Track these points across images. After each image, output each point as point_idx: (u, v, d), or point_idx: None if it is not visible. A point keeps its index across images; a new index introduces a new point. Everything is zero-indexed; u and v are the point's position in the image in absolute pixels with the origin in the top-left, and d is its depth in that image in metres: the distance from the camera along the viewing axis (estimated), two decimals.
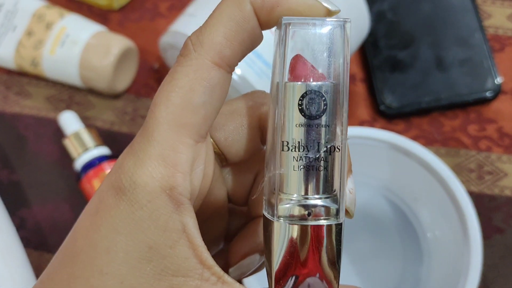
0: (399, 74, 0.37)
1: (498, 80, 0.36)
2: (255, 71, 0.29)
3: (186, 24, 0.31)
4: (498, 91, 0.36)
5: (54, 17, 0.36)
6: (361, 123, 0.36)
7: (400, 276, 0.32)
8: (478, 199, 0.34)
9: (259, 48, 0.30)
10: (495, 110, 0.36)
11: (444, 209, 0.30)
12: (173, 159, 0.15)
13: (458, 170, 0.35)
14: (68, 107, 0.37)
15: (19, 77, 0.38)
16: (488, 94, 0.36)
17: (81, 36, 0.34)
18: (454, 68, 0.36)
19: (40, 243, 0.34)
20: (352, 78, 0.38)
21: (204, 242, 0.15)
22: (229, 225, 0.19)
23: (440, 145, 0.36)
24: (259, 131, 0.18)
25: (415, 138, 0.36)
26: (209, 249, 0.15)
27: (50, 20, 0.36)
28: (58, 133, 0.36)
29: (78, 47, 0.34)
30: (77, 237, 0.15)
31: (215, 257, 0.15)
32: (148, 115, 0.15)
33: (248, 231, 0.18)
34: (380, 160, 0.32)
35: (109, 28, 0.39)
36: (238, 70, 0.29)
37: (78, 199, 0.35)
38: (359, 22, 0.33)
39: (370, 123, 0.36)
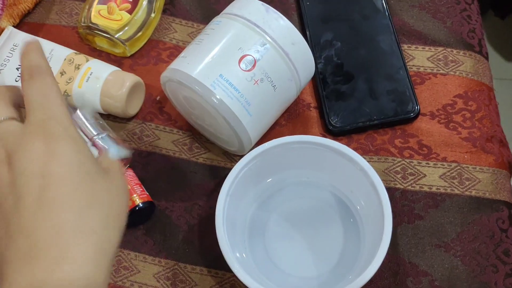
0: (342, 102, 0.46)
1: (418, 105, 0.46)
2: (228, 95, 0.39)
3: (179, 63, 0.40)
4: (417, 113, 0.45)
5: (82, 60, 0.46)
6: None
7: (342, 252, 0.40)
8: (403, 194, 0.43)
9: (230, 78, 0.39)
10: (416, 127, 0.46)
11: (369, 196, 0.38)
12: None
13: (387, 172, 0.44)
14: None
15: None
16: (410, 115, 0.45)
17: (102, 74, 0.44)
18: (383, 96, 0.46)
19: None
20: (307, 105, 0.47)
21: None
22: None
23: (373, 154, 0.45)
24: None
25: (354, 149, 0.44)
26: None
27: (79, 62, 0.46)
28: None
29: (99, 82, 0.44)
30: None
31: None
32: None
33: None
34: (328, 162, 0.41)
35: (123, 69, 0.48)
36: (217, 95, 0.38)
37: None
38: (307, 64, 0.42)
39: None
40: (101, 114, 0.47)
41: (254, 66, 0.39)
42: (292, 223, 0.41)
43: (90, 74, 0.45)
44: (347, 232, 0.41)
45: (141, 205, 0.40)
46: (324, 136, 0.45)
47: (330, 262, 0.40)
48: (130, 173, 0.42)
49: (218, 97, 0.38)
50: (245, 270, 0.35)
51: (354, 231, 0.41)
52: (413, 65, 0.48)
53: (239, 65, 0.39)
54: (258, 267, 0.39)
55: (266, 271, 0.39)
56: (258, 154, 0.39)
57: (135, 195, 0.41)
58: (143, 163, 0.45)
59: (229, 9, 0.42)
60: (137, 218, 0.41)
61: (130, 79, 0.44)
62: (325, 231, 0.41)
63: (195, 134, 0.46)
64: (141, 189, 0.41)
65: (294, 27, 0.40)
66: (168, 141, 0.46)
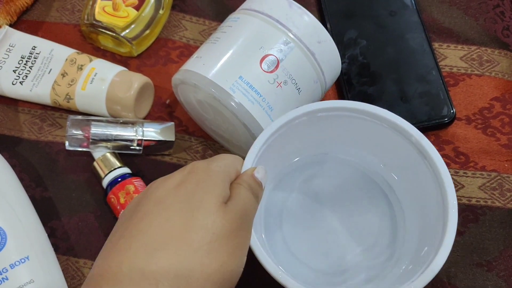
0: None
1: (453, 108, 0.42)
2: (249, 99, 0.35)
3: (194, 64, 0.37)
4: (453, 118, 0.42)
5: (85, 60, 0.42)
6: None
7: (375, 241, 0.35)
8: None
9: (251, 81, 0.36)
10: (451, 133, 0.42)
11: (417, 174, 0.33)
12: None
13: None
14: None
15: (52, 112, 0.44)
16: (444, 120, 0.41)
17: (107, 74, 0.41)
18: (415, 99, 0.42)
19: (67, 249, 0.38)
20: None
21: None
22: None
23: None
24: None
25: None
26: None
27: (81, 63, 0.42)
28: (84, 158, 0.41)
29: (105, 83, 0.40)
30: None
31: None
32: None
33: None
34: (361, 134, 0.35)
35: (129, 70, 0.45)
36: (236, 99, 0.35)
37: (100, 211, 0.40)
38: (333, 64, 0.38)
39: None
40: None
41: (277, 67, 0.35)
42: (315, 207, 0.36)
43: (95, 75, 0.41)
44: (381, 221, 0.35)
45: None
46: None
47: (360, 256, 0.35)
48: (140, 183, 0.39)
49: (237, 100, 0.34)
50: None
51: (388, 216, 0.35)
52: (446, 65, 0.45)
53: (261, 66, 0.35)
54: (279, 263, 0.34)
55: (287, 266, 0.34)
56: (280, 126, 0.33)
57: None
58: (152, 172, 0.41)
59: (247, 4, 0.38)
60: None
61: (138, 80, 0.40)
62: (353, 216, 0.36)
63: (208, 141, 0.43)
64: None
65: (320, 23, 0.37)
66: (179, 149, 0.42)
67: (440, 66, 0.44)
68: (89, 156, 0.41)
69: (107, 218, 0.39)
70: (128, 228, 0.25)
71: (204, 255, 0.24)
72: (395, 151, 0.34)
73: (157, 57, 0.46)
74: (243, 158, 0.31)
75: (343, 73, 0.43)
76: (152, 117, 0.44)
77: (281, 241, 0.35)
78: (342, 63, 0.43)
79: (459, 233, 0.38)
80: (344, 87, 0.43)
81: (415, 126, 0.41)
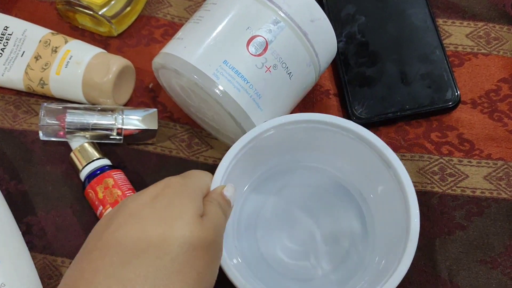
0: (368, 88, 0.39)
1: (458, 91, 0.39)
2: (234, 85, 0.31)
3: (174, 46, 0.33)
4: (458, 101, 0.38)
5: (60, 42, 0.38)
6: None
7: (348, 250, 0.34)
8: (442, 199, 0.36)
9: (236, 66, 0.33)
10: (455, 118, 0.39)
11: (387, 184, 0.33)
12: None
13: (423, 173, 0.37)
14: None
15: (27, 98, 0.41)
16: (448, 104, 0.38)
17: (83, 57, 0.37)
18: (417, 81, 0.39)
19: (44, 246, 0.36)
20: (326, 92, 0.40)
21: None
22: None
23: (406, 151, 0.38)
24: None
25: None
26: None
27: (56, 45, 0.38)
28: (61, 148, 0.38)
29: (81, 67, 0.37)
30: None
31: None
32: None
33: None
34: (333, 144, 0.34)
35: (109, 51, 0.41)
36: (220, 86, 0.31)
37: (79, 206, 0.37)
38: (328, 45, 0.35)
39: None
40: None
41: (265, 49, 0.32)
42: (289, 215, 0.35)
43: (70, 58, 0.38)
44: (352, 227, 0.35)
45: None
46: None
47: (333, 261, 0.34)
48: (121, 175, 0.36)
49: (221, 88, 0.31)
50: (243, 277, 0.30)
51: (361, 225, 0.34)
52: (450, 44, 0.41)
53: (248, 49, 0.32)
54: (249, 267, 0.33)
55: (258, 271, 0.33)
56: (248, 141, 0.32)
57: None
58: (135, 163, 0.38)
59: None
60: None
61: (117, 63, 0.37)
62: (327, 224, 0.35)
63: (195, 128, 0.40)
64: None
65: (313, 0, 0.33)
66: (163, 137, 0.39)
67: (445, 45, 0.41)
68: (67, 146, 0.38)
69: (86, 213, 0.37)
70: (101, 239, 0.25)
71: (182, 264, 0.24)
72: (361, 160, 0.34)
73: (140, 36, 0.42)
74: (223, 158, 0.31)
75: (339, 53, 0.40)
76: (134, 102, 0.40)
77: (255, 248, 0.34)
78: (338, 42, 0.40)
79: (461, 227, 0.35)
80: (341, 69, 0.40)
81: (417, 111, 0.38)
